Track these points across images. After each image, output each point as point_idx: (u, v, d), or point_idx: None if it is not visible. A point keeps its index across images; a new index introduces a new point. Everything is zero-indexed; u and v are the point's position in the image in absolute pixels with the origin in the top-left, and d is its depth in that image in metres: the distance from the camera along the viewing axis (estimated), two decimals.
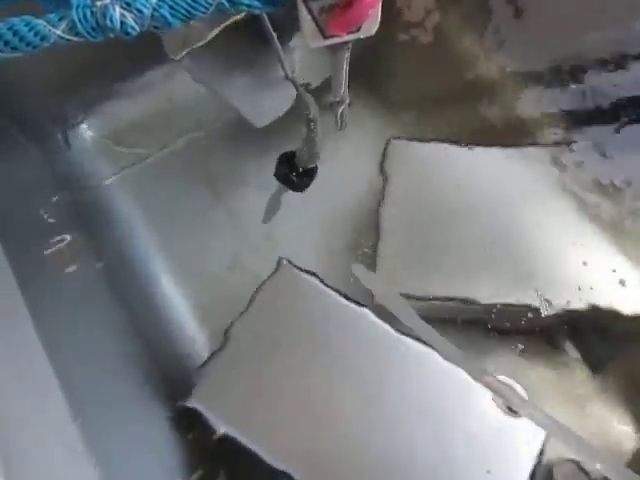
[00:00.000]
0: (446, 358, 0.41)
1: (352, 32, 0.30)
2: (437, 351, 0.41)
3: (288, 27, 0.45)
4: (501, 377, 0.40)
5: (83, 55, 0.56)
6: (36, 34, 0.25)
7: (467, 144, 0.52)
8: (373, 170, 0.56)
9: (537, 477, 0.39)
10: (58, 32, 0.26)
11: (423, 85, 0.62)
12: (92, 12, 0.25)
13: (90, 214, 0.57)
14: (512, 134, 0.58)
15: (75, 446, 0.27)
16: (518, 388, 0.41)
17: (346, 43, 0.31)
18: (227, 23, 0.43)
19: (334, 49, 0.32)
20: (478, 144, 0.52)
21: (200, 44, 0.44)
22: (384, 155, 0.53)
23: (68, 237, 0.49)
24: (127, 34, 0.26)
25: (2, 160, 0.48)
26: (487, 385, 0.40)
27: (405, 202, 0.51)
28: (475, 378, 0.40)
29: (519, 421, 0.39)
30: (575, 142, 0.53)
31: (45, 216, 0.51)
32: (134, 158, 0.61)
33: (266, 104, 0.55)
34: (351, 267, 0.47)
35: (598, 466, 0.39)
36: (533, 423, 0.39)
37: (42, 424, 0.27)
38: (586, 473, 0.44)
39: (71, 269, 0.48)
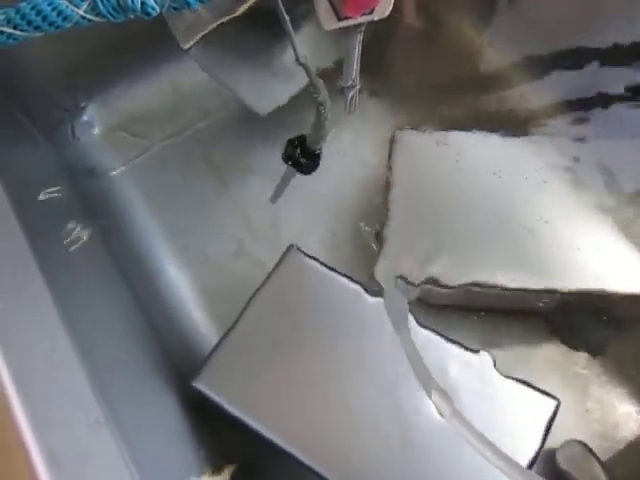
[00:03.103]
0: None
1: (366, 14, 0.30)
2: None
3: (293, 12, 0.45)
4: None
5: (88, 45, 0.56)
6: (59, 14, 0.26)
7: (473, 132, 0.53)
8: (377, 158, 0.57)
9: (539, 462, 0.39)
10: (80, 12, 0.26)
11: (427, 74, 0.62)
12: None
13: (97, 204, 0.57)
14: (517, 122, 0.58)
15: (97, 418, 0.28)
16: (486, 357, 0.41)
17: (359, 26, 0.32)
18: (241, 11, 0.43)
19: (347, 32, 0.32)
20: (484, 132, 0.53)
21: (207, 30, 0.45)
22: (390, 144, 0.53)
23: (76, 226, 0.49)
24: (148, 14, 0.27)
25: (11, 148, 0.48)
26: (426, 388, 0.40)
27: (411, 191, 0.51)
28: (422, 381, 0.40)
29: (527, 392, 0.40)
30: (579, 129, 0.53)
31: (54, 205, 0.51)
32: (140, 148, 0.62)
33: (269, 91, 0.55)
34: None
35: None
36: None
37: (65, 397, 0.28)
38: (593, 455, 0.44)
39: (80, 258, 0.48)
